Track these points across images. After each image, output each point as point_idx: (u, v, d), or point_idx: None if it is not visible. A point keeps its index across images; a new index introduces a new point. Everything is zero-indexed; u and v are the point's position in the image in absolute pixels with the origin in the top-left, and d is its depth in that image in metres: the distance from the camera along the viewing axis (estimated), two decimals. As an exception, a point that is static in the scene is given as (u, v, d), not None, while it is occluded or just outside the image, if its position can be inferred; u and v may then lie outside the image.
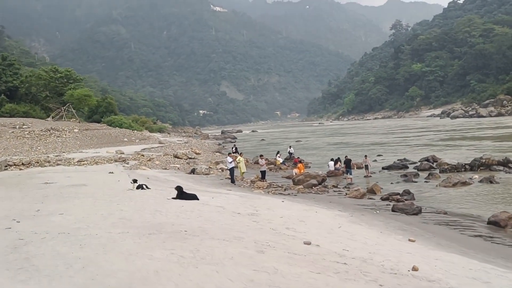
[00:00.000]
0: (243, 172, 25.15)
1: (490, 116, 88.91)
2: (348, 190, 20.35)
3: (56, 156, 30.86)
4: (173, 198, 12.84)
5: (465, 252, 9.47)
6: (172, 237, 7.27)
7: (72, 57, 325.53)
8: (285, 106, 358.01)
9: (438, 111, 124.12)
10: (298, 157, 34.59)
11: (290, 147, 40.15)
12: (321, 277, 5.75)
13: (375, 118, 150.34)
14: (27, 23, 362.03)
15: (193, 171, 26.74)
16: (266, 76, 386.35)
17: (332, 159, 28.61)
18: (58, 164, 26.06)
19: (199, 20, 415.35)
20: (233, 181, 22.99)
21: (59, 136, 43.26)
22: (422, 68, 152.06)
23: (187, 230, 7.89)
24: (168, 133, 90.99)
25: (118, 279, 5.23)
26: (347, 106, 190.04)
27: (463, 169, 24.48)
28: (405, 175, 23.86)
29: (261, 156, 26.83)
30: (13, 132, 42.28)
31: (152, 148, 43.36)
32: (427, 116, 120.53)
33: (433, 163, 27.27)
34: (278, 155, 34.82)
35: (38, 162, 26.08)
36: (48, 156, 29.94)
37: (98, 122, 63.76)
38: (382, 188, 20.17)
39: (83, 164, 26.63)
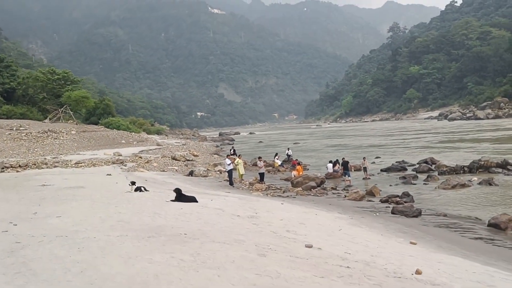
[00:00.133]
0: (242, 174, 25.05)
1: (488, 118, 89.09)
2: (347, 192, 20.29)
3: (54, 158, 30.70)
4: (172, 200, 12.74)
5: (466, 254, 9.40)
6: (171, 240, 7.16)
7: (69, 59, 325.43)
8: (283, 108, 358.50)
9: (435, 113, 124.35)
10: (297, 159, 34.52)
11: (288, 149, 40.06)
12: (325, 281, 5.66)
13: (373, 120, 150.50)
14: (25, 24, 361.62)
15: (191, 173, 26.63)
16: (264, 78, 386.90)
17: (330, 161, 28.53)
18: (55, 166, 25.90)
19: (197, 22, 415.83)
20: (231, 183, 22.88)
21: (56, 138, 43.08)
22: (419, 70, 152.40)
23: (187, 233, 7.79)
24: (166, 135, 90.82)
25: (117, 283, 5.13)
26: (345, 108, 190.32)
27: (461, 171, 24.42)
28: (404, 177, 23.80)
29: (259, 158, 26.67)
30: (10, 134, 42.09)
31: (150, 150, 43.22)
32: (424, 119, 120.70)
33: (431, 165, 27.24)
34: (277, 157, 34.77)
35: (35, 164, 25.93)
36: (45, 158, 29.78)
37: (96, 124, 63.63)
38: (381, 190, 20.10)
39: (81, 166, 26.48)
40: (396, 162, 29.88)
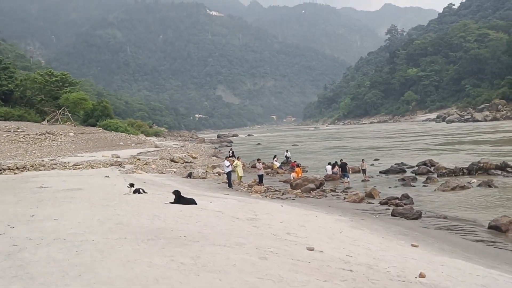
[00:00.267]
0: (241, 176, 24.97)
1: (485, 120, 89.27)
2: (347, 195, 20.21)
3: (51, 160, 30.57)
4: (171, 202, 12.64)
5: (469, 257, 9.32)
6: (171, 243, 7.06)
7: (67, 60, 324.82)
8: (281, 110, 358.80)
9: (433, 115, 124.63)
10: (295, 161, 34.47)
11: (287, 151, 40.01)
12: (328, 285, 5.56)
13: (371, 123, 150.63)
14: (22, 26, 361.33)
15: (189, 175, 26.54)
16: (262, 80, 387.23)
17: (329, 163, 28.44)
18: (53, 168, 25.79)
19: (195, 24, 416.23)
20: (230, 185, 22.79)
21: (54, 140, 42.92)
22: (417, 72, 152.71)
23: (187, 235, 7.69)
24: (164, 137, 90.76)
25: (116, 287, 5.04)
26: (343, 110, 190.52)
27: (461, 173, 24.41)
28: (403, 179, 23.74)
29: (258, 160, 26.61)
30: (7, 135, 41.91)
31: (148, 152, 43.14)
32: (422, 121, 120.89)
33: (430, 167, 27.17)
34: (275, 159, 34.66)
35: (33, 166, 25.80)
36: (43, 160, 29.65)
37: (94, 125, 63.47)
38: (380, 192, 20.06)
39: (79, 168, 26.37)
40: (395, 164, 29.82)
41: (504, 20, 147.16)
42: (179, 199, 12.73)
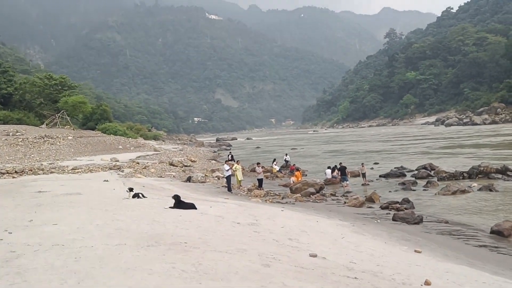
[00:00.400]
0: (240, 180, 24.86)
1: (485, 124, 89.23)
2: (347, 199, 20.13)
3: (50, 164, 30.44)
4: (171, 207, 12.51)
5: (473, 263, 9.21)
6: (172, 249, 6.94)
7: (67, 64, 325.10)
8: (280, 114, 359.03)
9: (432, 118, 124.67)
10: (294, 165, 34.41)
11: (286, 154, 39.97)
12: (333, 294, 5.48)
13: (370, 126, 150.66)
14: (22, 30, 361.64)
15: (189, 179, 26.42)
16: (261, 84, 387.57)
17: (329, 167, 28.39)
18: (52, 172, 25.65)
19: (194, 28, 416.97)
20: (229, 189, 22.68)
21: (53, 144, 42.78)
22: (416, 76, 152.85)
23: (187, 241, 7.57)
24: (163, 141, 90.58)
25: (116, 295, 4.93)
26: (342, 113, 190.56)
27: (461, 177, 24.33)
28: (403, 183, 23.67)
29: (258, 164, 26.51)
30: (6, 139, 41.78)
31: (147, 155, 42.98)
32: (421, 124, 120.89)
33: (430, 171, 27.12)
34: (275, 162, 34.58)
35: (31, 170, 25.68)
36: (41, 164, 29.52)
37: (93, 129, 63.34)
38: (380, 197, 19.97)
39: (77, 172, 26.24)
40: (395, 168, 29.77)
41: (502, 23, 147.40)
42: (179, 203, 12.61)
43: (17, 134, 45.46)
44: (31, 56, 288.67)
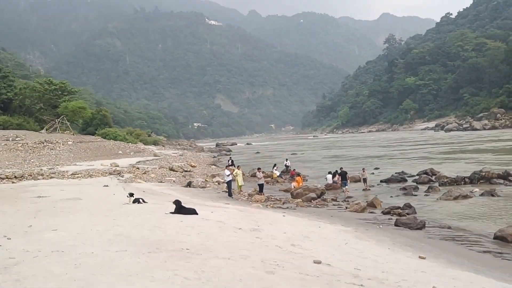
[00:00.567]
0: (241, 186, 24.74)
1: (484, 129, 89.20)
2: (348, 204, 20.00)
3: (50, 169, 30.32)
4: (171, 212, 12.40)
5: (478, 270, 9.09)
6: (173, 256, 6.82)
7: (67, 69, 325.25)
8: (280, 119, 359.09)
9: (432, 124, 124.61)
10: (295, 170, 34.29)
11: (286, 160, 39.86)
12: (340, 301, 5.36)
13: (370, 131, 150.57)
14: (22, 35, 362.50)
15: (189, 184, 26.30)
16: (260, 89, 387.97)
17: (330, 172, 28.27)
18: (51, 177, 25.53)
19: (194, 34, 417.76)
20: (230, 195, 22.55)
21: (52, 149, 42.69)
22: (415, 81, 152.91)
23: (189, 247, 7.45)
24: (163, 146, 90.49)
25: (117, 303, 4.81)
26: (342, 119, 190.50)
27: (462, 182, 24.20)
28: (404, 188, 23.55)
29: (258, 169, 26.38)
30: (6, 144, 41.66)
31: (147, 160, 42.89)
32: (421, 129, 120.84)
33: (432, 176, 27.00)
34: (275, 168, 34.46)
35: (31, 175, 25.56)
36: (41, 169, 29.40)
37: (93, 134, 63.25)
38: (382, 202, 19.82)
39: (77, 177, 26.12)
40: (396, 173, 29.64)
41: (502, 29, 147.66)
42: (180, 209, 12.51)
43: (17, 139, 45.35)
44: (31, 61, 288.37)
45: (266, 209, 18.23)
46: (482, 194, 20.14)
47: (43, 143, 44.64)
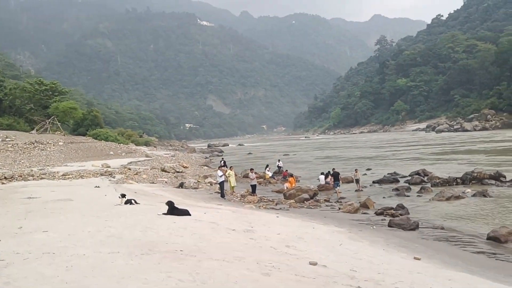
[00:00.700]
0: (233, 186, 24.65)
1: (475, 130, 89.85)
2: (341, 205, 19.98)
3: (40, 169, 30.02)
4: (164, 213, 12.28)
5: (473, 270, 9.07)
6: (167, 258, 6.71)
7: (57, 70, 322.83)
8: (271, 120, 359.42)
9: (423, 125, 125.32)
10: (287, 170, 34.26)
11: (279, 160, 39.83)
12: (337, 303, 5.28)
13: (361, 132, 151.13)
14: (13, 35, 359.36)
15: (181, 185, 26.16)
16: (252, 90, 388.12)
17: (322, 173, 28.27)
18: (42, 178, 25.27)
19: (186, 34, 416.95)
20: (223, 195, 22.46)
21: (43, 149, 42.32)
22: (407, 83, 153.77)
23: (183, 249, 7.34)
24: (155, 147, 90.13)
25: (110, 306, 4.70)
26: (333, 120, 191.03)
27: (454, 183, 24.27)
28: (397, 189, 23.56)
29: (251, 169, 26.30)
30: (-5, 145, 41.24)
31: (139, 161, 42.64)
32: (412, 130, 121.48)
33: (424, 177, 27.06)
34: (267, 168, 34.40)
35: (21, 176, 25.28)
36: (31, 170, 29.10)
37: (84, 135, 62.82)
38: (375, 203, 19.80)
39: (68, 178, 25.88)
40: (388, 173, 29.69)
41: (492, 31, 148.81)
42: (173, 210, 12.39)
43: (7, 139, 44.89)
44: (21, 61, 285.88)
45: (259, 210, 18.16)
46: (474, 195, 20.19)
47: (33, 143, 44.25)
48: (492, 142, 53.45)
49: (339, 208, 19.24)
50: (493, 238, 12.83)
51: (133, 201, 14.74)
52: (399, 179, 27.89)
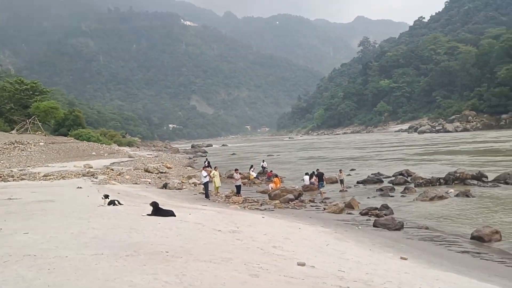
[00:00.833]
0: (218, 187, 24.50)
1: (456, 131, 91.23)
2: (326, 205, 20.01)
3: (21, 170, 29.48)
4: (148, 214, 12.10)
5: (459, 270, 9.10)
6: (152, 259, 6.56)
7: (38, 69, 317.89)
8: (255, 121, 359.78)
9: (405, 126, 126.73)
10: (272, 171, 34.22)
11: (263, 161, 39.78)
12: (328, 305, 5.21)
13: (345, 133, 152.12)
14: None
15: (165, 186, 25.92)
16: (236, 91, 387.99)
17: (306, 173, 28.30)
18: (22, 179, 24.79)
19: (169, 34, 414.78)
20: (207, 196, 22.32)
21: (23, 150, 41.58)
22: (389, 84, 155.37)
23: (168, 250, 7.20)
24: (138, 147, 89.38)
25: (94, 310, 4.56)
26: (317, 121, 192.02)
27: (438, 183, 24.53)
28: (381, 189, 23.70)
29: (236, 170, 26.18)
30: (-26, 145, 40.42)
31: (122, 162, 42.20)
32: (395, 131, 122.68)
33: (407, 177, 27.28)
34: (252, 169, 34.36)
35: (0, 177, 24.77)
36: (11, 171, 28.56)
37: (65, 135, 62.00)
38: (359, 203, 19.86)
39: (50, 179, 25.44)
40: (372, 174, 29.85)
41: (473, 33, 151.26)
42: (157, 211, 12.21)
43: (-15, 140, 44.05)
44: (1, 61, 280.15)
45: (244, 210, 18.07)
46: (457, 195, 20.40)
47: (13, 144, 43.47)
48: (474, 143, 54.19)
49: (324, 209, 19.26)
50: (477, 238, 12.96)
51: (116, 202, 14.50)
52: (383, 179, 28.07)
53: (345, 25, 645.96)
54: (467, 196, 19.96)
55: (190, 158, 63.50)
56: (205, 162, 40.39)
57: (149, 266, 6.14)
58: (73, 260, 6.47)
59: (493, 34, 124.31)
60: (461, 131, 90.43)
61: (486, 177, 24.08)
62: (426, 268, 8.79)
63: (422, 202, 19.51)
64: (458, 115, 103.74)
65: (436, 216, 16.44)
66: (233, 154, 72.57)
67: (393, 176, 28.50)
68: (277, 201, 21.12)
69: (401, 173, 28.50)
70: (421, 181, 25.14)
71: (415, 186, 24.14)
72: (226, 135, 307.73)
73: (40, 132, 59.15)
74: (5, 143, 42.85)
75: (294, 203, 20.96)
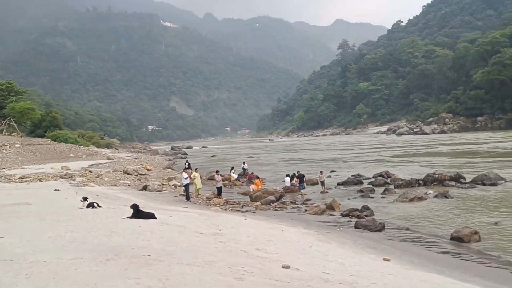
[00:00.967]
0: (199, 189, 24.33)
1: (434, 133, 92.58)
2: (308, 207, 20.00)
3: (-5, 172, 28.81)
4: (129, 217, 11.88)
5: (440, 271, 9.16)
6: (134, 263, 6.40)
7: (14, 69, 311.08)
8: (235, 122, 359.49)
9: (384, 128, 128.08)
10: (253, 173, 34.15)
11: (244, 163, 39.69)
12: (315, 308, 5.14)
13: (324, 135, 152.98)
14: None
15: (145, 188, 25.63)
16: (216, 92, 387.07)
17: (288, 175, 28.29)
18: (-3, 181, 24.21)
19: (148, 35, 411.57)
20: (188, 198, 22.14)
21: (-2, 151, 40.69)
22: (368, 86, 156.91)
23: (150, 254, 7.04)
24: (116, 149, 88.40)
25: (74, 316, 4.40)
26: (297, 122, 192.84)
27: (417, 185, 24.74)
28: (361, 191, 23.83)
29: (217, 172, 26.01)
30: None
31: (100, 164, 41.64)
32: (374, 133, 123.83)
33: (387, 179, 27.47)
34: (232, 171, 34.27)
35: (-26, 179, 24.16)
36: (-14, 173, 27.88)
37: (42, 137, 60.95)
38: (340, 204, 19.92)
39: (26, 181, 24.90)
40: (352, 175, 29.98)
41: (449, 37, 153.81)
42: (138, 213, 12.00)
43: (-41, 141, 42.98)
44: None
45: (225, 212, 17.97)
46: (436, 196, 20.59)
47: (-12, 145, 42.52)
48: (451, 145, 54.99)
49: (305, 210, 19.26)
50: (457, 238, 13.08)
51: (95, 205, 14.24)
52: (363, 181, 28.24)
53: (324, 28, 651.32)
54: (446, 197, 20.18)
55: (170, 160, 63.05)
56: (185, 164, 40.09)
57: (131, 270, 5.99)
58: (51, 264, 6.28)
59: (468, 38, 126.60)
60: (439, 133, 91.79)
61: (464, 178, 24.41)
62: (409, 269, 8.82)
63: (402, 203, 19.65)
64: (436, 118, 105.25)
65: (416, 217, 16.57)
66: (214, 156, 72.29)
67: (373, 177, 28.66)
68: (258, 203, 21.05)
69: (380, 175, 28.70)
70: (400, 182, 25.33)
71: (394, 188, 24.32)
72: (206, 136, 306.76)
73: (15, 134, 57.99)
74: (-21, 145, 41.88)
75: (275, 205, 20.93)
